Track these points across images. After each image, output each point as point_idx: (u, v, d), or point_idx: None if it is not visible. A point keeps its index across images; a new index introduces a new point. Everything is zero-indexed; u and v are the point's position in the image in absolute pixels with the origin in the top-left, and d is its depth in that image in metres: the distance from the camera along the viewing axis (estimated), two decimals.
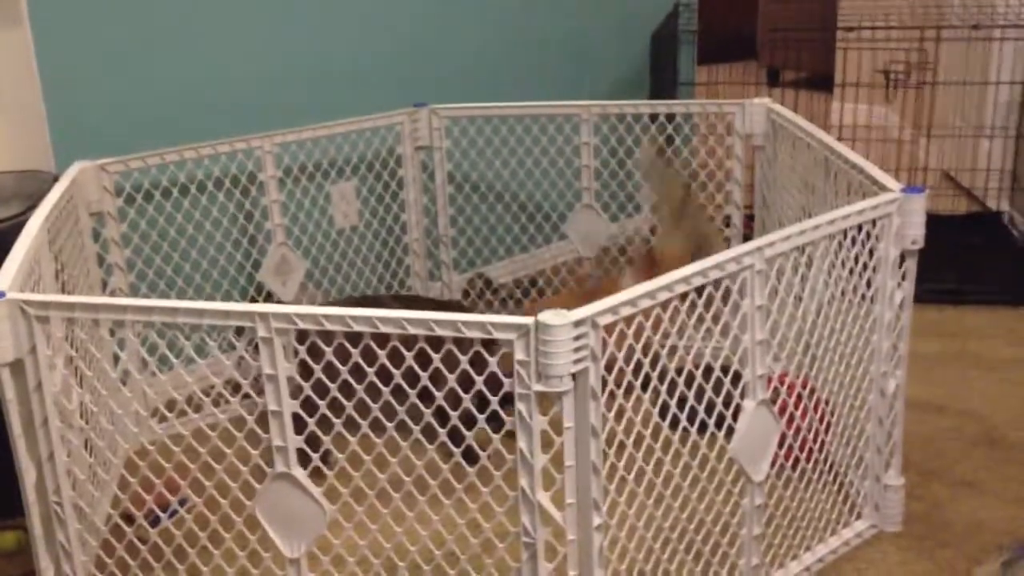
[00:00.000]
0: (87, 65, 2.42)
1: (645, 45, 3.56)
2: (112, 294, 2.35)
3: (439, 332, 1.39)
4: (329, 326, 1.42)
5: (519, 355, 1.36)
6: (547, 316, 1.34)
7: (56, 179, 2.19)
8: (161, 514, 1.98)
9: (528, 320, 1.35)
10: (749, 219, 2.76)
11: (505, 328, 1.36)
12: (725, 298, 1.61)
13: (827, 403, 1.97)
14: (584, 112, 2.69)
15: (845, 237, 1.79)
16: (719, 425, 1.62)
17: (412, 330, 1.40)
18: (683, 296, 1.52)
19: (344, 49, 2.84)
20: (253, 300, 2.65)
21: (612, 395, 1.46)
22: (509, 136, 2.90)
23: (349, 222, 2.92)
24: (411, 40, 3.00)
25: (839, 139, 3.39)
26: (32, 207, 2.00)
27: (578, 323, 1.36)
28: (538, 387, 1.36)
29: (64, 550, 1.59)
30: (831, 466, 1.98)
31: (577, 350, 1.36)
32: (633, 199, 2.98)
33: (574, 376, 1.37)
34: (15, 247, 1.67)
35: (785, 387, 1.87)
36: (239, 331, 1.46)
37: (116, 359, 2.30)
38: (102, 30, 2.42)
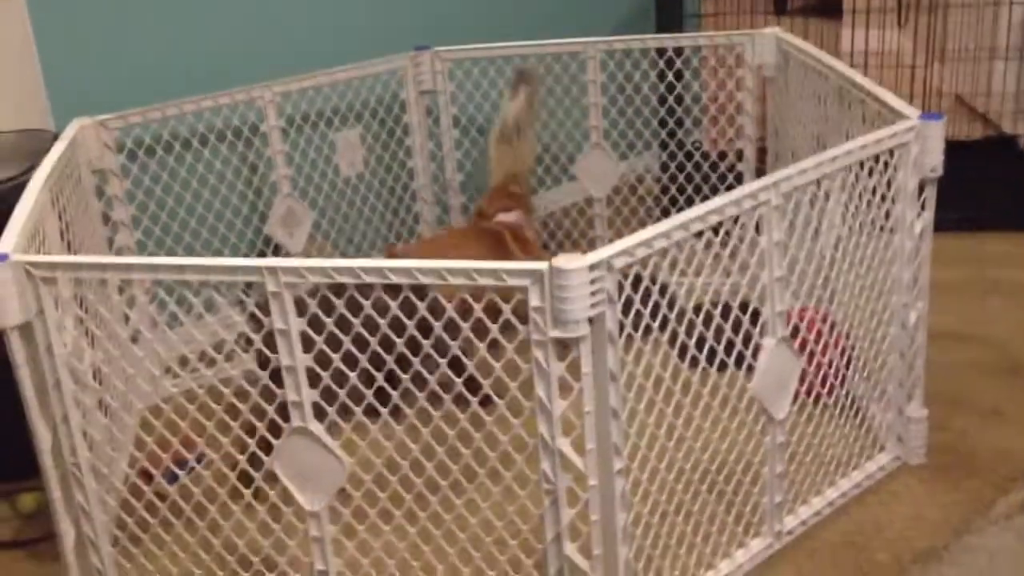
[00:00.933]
0: (82, 20, 2.37)
1: None
2: (118, 252, 2.33)
3: (451, 281, 1.36)
4: (339, 278, 1.39)
5: (534, 301, 1.33)
6: (562, 260, 1.32)
7: (56, 137, 2.16)
8: (179, 471, 1.98)
9: (542, 265, 1.32)
10: (762, 151, 2.71)
11: (519, 274, 1.33)
12: (728, 233, 1.57)
13: (847, 336, 1.94)
14: (590, 49, 2.63)
15: (862, 168, 1.75)
16: (738, 363, 1.59)
17: (424, 279, 1.37)
18: (698, 234, 1.49)
19: None
20: (261, 253, 2.63)
21: (630, 337, 1.43)
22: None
23: (355, 170, 2.88)
24: None
25: (851, 67, 3.35)
26: (33, 167, 1.97)
27: (593, 267, 1.33)
28: (555, 333, 1.34)
29: (83, 511, 1.58)
30: (853, 400, 1.96)
31: (593, 294, 1.33)
32: (642, 135, 2.93)
33: (591, 320, 1.34)
34: (17, 208, 1.64)
35: (805, 322, 1.85)
36: (248, 287, 1.44)
37: (126, 318, 2.28)
38: None
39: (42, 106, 2.35)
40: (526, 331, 1.36)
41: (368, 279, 1.39)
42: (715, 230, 1.53)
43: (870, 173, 1.76)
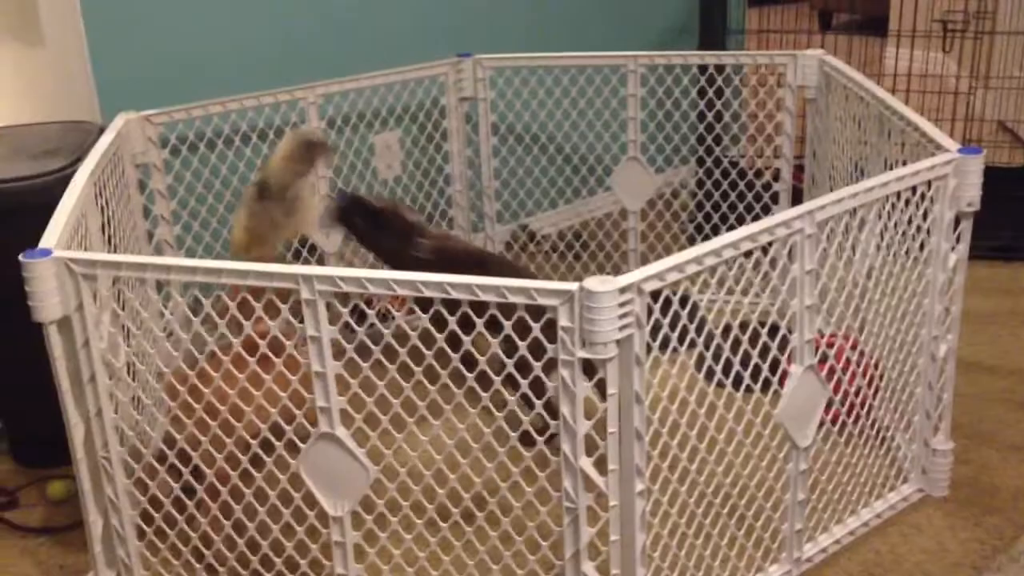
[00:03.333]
0: (132, 16, 2.41)
1: None
2: (157, 246, 2.36)
3: (482, 297, 1.37)
4: (373, 289, 1.41)
5: (563, 321, 1.35)
6: (592, 282, 1.33)
7: (102, 130, 2.20)
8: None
9: (573, 286, 1.34)
10: (799, 169, 2.70)
11: (549, 294, 1.35)
12: (759, 261, 1.58)
13: (876, 365, 1.94)
14: (631, 63, 2.64)
15: (899, 199, 1.74)
16: (765, 387, 1.60)
17: (455, 294, 1.39)
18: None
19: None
20: (297, 253, 2.65)
21: (650, 351, 1.43)
22: (554, 87, 2.85)
23: (392, 173, 2.91)
24: None
25: (893, 88, 3.34)
26: (79, 159, 2.01)
27: (623, 289, 1.34)
28: (582, 353, 1.35)
29: (112, 504, 1.62)
30: (878, 429, 1.96)
31: (622, 316, 1.34)
32: (679, 151, 2.93)
33: (618, 343, 1.36)
34: (62, 202, 1.67)
35: (834, 350, 1.85)
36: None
37: (162, 315, 2.31)
38: None
39: (90, 98, 2.40)
40: (555, 351, 1.37)
41: (401, 291, 1.41)
42: (747, 254, 1.54)
43: (906, 204, 1.76)
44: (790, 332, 1.61)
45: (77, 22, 2.34)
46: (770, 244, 1.54)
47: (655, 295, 1.40)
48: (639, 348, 1.39)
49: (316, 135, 2.31)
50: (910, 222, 1.77)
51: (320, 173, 2.49)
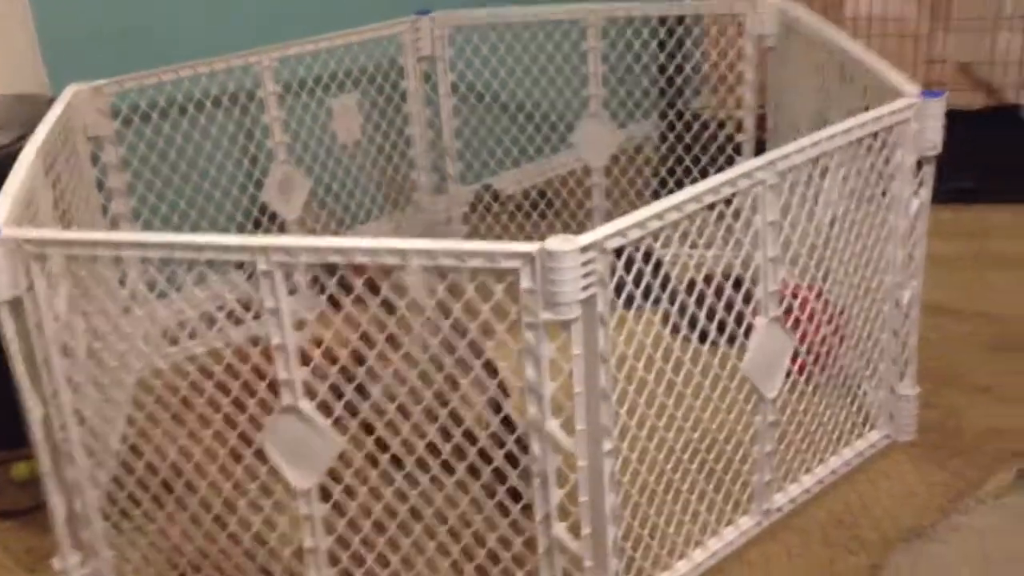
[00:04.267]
0: None
1: None
2: (113, 220, 2.32)
3: (443, 262, 1.35)
4: (332, 258, 1.38)
5: (525, 283, 1.33)
6: (554, 243, 1.31)
7: (51, 102, 2.14)
8: None
9: (533, 247, 1.32)
10: (762, 119, 2.69)
11: (510, 256, 1.33)
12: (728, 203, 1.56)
13: (841, 313, 1.94)
14: (590, 16, 2.60)
15: (860, 144, 1.73)
16: (731, 340, 1.59)
17: (416, 261, 1.36)
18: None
19: None
20: (257, 221, 2.62)
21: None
22: (514, 43, 2.82)
23: (352, 137, 2.86)
24: None
25: (854, 32, 3.31)
26: (26, 134, 1.96)
27: (585, 248, 1.32)
28: (546, 315, 1.34)
29: (75, 486, 1.59)
30: (844, 377, 1.96)
31: (585, 276, 1.33)
32: (641, 105, 2.91)
33: (582, 303, 1.34)
34: (10, 178, 1.62)
35: (798, 300, 1.84)
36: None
37: (122, 282, 2.28)
38: None
39: (38, 70, 2.34)
40: (517, 312, 1.35)
41: (361, 259, 1.38)
42: (710, 207, 1.52)
43: (868, 150, 1.75)
44: (754, 284, 1.61)
45: None
46: (733, 196, 1.53)
47: (618, 252, 1.38)
48: (603, 307, 1.37)
49: None
50: (872, 168, 1.76)
51: None
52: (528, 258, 1.32)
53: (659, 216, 1.42)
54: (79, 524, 1.63)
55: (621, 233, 1.38)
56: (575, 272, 1.32)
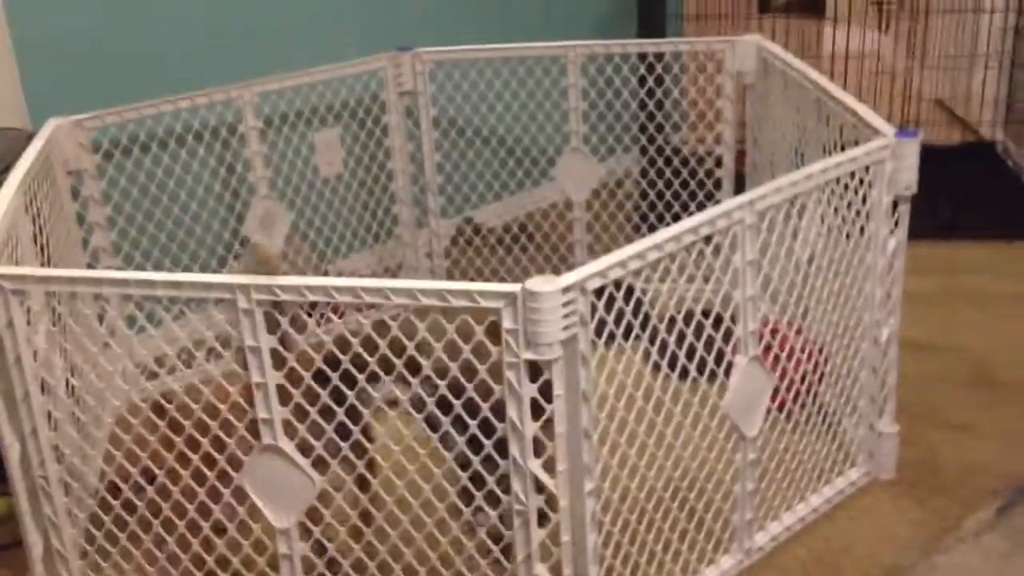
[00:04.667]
0: (60, 18, 2.35)
1: None
2: (93, 253, 2.31)
3: (424, 302, 1.36)
4: (312, 297, 1.39)
5: (507, 323, 1.33)
6: (535, 283, 1.31)
7: (31, 137, 2.14)
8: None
9: (515, 287, 1.32)
10: (741, 154, 2.71)
11: (492, 296, 1.33)
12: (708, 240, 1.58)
13: (820, 350, 1.95)
14: (570, 53, 2.63)
15: (838, 184, 1.75)
16: (711, 377, 1.60)
17: (395, 300, 1.36)
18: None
19: None
20: (238, 256, 2.61)
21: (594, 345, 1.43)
22: (495, 79, 2.83)
23: (334, 171, 2.87)
24: None
25: (831, 69, 3.36)
26: (6, 168, 1.95)
27: (567, 289, 1.33)
28: (527, 355, 1.34)
29: (52, 524, 1.58)
30: (824, 414, 1.97)
31: (566, 316, 1.33)
32: (622, 140, 2.93)
33: (563, 342, 1.35)
34: None
35: (777, 338, 1.86)
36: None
37: (101, 319, 2.27)
38: None
39: (18, 104, 2.33)
40: (499, 352, 1.36)
41: (340, 298, 1.38)
42: (689, 246, 1.53)
43: (845, 189, 1.76)
44: (734, 322, 1.62)
45: (1, 24, 2.27)
46: (711, 236, 1.54)
47: (599, 291, 1.39)
48: (584, 347, 1.38)
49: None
50: (849, 207, 1.78)
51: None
52: (510, 298, 1.32)
53: (640, 256, 1.43)
54: (56, 562, 1.61)
55: (602, 273, 1.38)
56: (556, 312, 1.32)
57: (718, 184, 2.68)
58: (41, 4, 2.30)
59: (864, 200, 1.78)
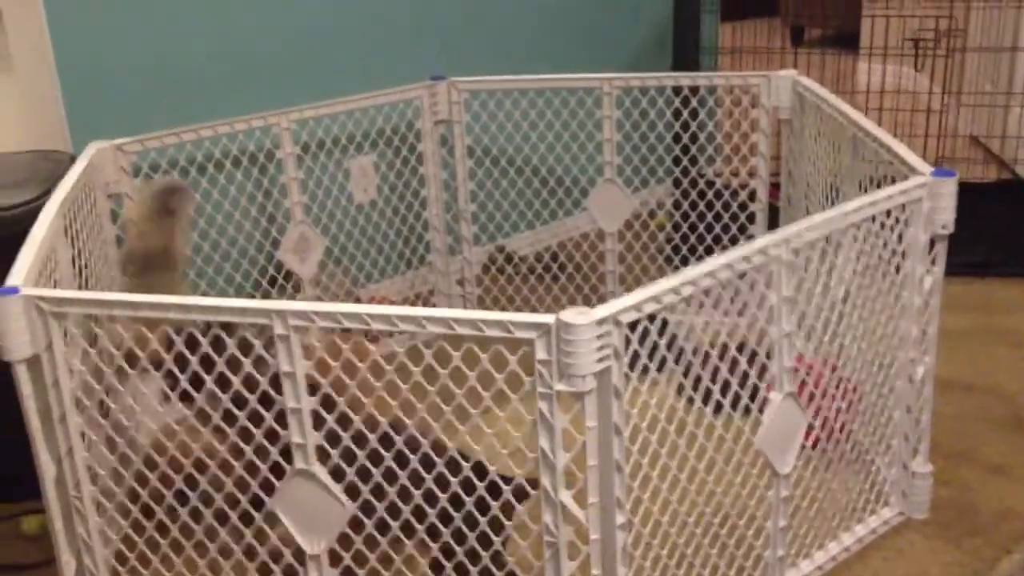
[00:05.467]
0: (102, 43, 2.39)
1: (668, 10, 3.48)
2: None
3: (458, 331, 1.36)
4: (347, 323, 1.39)
5: (540, 354, 1.34)
6: (569, 314, 1.32)
7: (72, 159, 2.17)
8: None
9: (549, 318, 1.32)
10: (775, 186, 2.71)
11: (525, 327, 1.33)
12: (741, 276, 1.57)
13: (854, 389, 1.94)
14: (605, 85, 2.64)
15: (873, 221, 1.74)
16: (745, 411, 1.59)
17: (430, 328, 1.37)
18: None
19: (360, 21, 2.80)
20: (272, 279, 2.63)
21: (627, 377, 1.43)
22: (529, 109, 2.85)
23: (368, 197, 2.89)
24: (427, 11, 2.95)
25: (866, 105, 3.35)
26: (48, 191, 1.98)
27: (601, 321, 1.33)
28: (560, 386, 1.34)
29: (85, 544, 1.59)
30: (857, 453, 1.95)
31: (600, 348, 1.33)
32: (656, 171, 2.94)
33: (596, 375, 1.35)
34: (31, 236, 1.64)
35: (812, 374, 1.84)
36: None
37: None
38: (116, 6, 2.39)
39: (61, 128, 2.37)
40: (531, 384, 1.36)
41: (376, 325, 1.39)
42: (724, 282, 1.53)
43: (881, 227, 1.76)
44: (768, 358, 1.61)
45: (46, 48, 2.31)
46: (746, 273, 1.54)
47: (632, 325, 1.39)
48: (617, 379, 1.38)
49: (173, 182, 2.11)
50: (885, 245, 1.77)
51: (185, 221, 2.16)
52: (544, 329, 1.33)
53: (675, 291, 1.43)
54: None
55: (636, 307, 1.39)
56: (590, 344, 1.32)
57: (751, 218, 2.68)
58: (84, 31, 2.35)
59: (900, 238, 1.77)
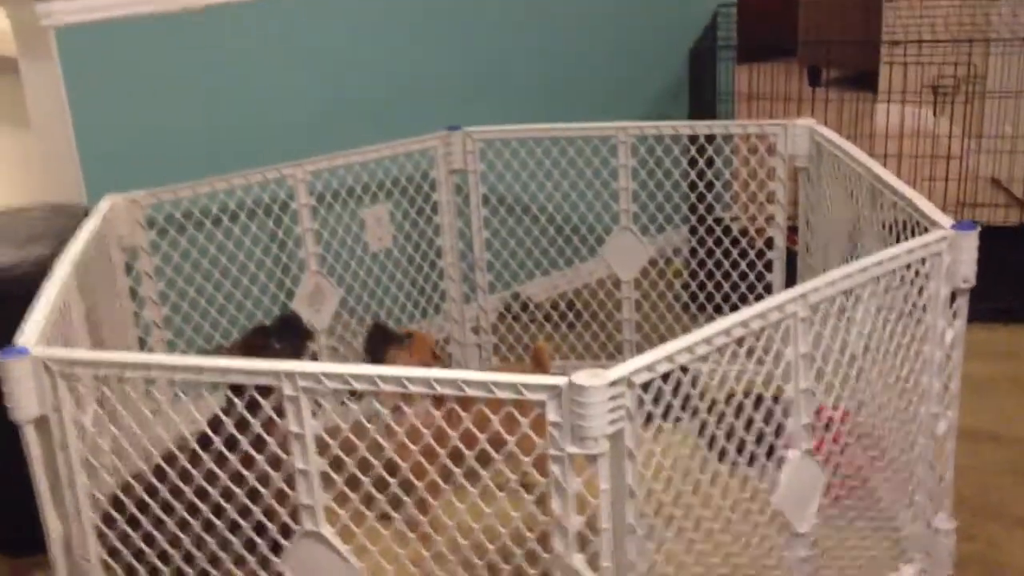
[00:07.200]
0: (117, 96, 2.40)
1: (684, 57, 3.48)
2: (146, 328, 2.33)
3: (469, 392, 1.34)
4: (356, 385, 1.38)
5: (552, 416, 1.32)
6: (582, 377, 1.30)
7: (87, 213, 2.18)
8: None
9: (561, 380, 1.30)
10: (792, 230, 2.68)
11: (537, 389, 1.31)
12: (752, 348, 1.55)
13: (877, 443, 1.90)
14: (621, 134, 2.63)
15: (893, 276, 1.72)
16: (760, 464, 1.56)
17: (440, 389, 1.35)
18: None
19: (374, 74, 2.82)
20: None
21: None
22: (544, 158, 2.84)
23: (383, 245, 2.89)
24: (443, 62, 2.96)
25: (885, 150, 3.32)
26: (61, 245, 1.98)
27: (614, 383, 1.31)
28: (572, 449, 1.32)
29: None
30: (878, 508, 1.91)
31: (612, 410, 1.31)
32: (672, 219, 2.92)
33: (609, 437, 1.32)
34: (43, 294, 1.64)
35: (832, 430, 1.81)
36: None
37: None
38: (131, 61, 2.41)
39: (76, 180, 2.38)
40: (544, 446, 1.34)
41: (385, 387, 1.37)
42: (738, 341, 1.50)
43: (901, 281, 1.73)
44: (785, 416, 1.58)
45: (62, 103, 2.33)
46: (763, 330, 1.51)
47: (645, 385, 1.37)
48: (630, 441, 1.35)
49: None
50: (905, 299, 1.74)
51: None
52: (556, 391, 1.31)
53: (689, 350, 1.41)
54: None
55: (650, 367, 1.36)
56: (603, 407, 1.30)
57: (768, 266, 2.66)
58: (100, 86, 2.37)
59: (920, 292, 1.74)
